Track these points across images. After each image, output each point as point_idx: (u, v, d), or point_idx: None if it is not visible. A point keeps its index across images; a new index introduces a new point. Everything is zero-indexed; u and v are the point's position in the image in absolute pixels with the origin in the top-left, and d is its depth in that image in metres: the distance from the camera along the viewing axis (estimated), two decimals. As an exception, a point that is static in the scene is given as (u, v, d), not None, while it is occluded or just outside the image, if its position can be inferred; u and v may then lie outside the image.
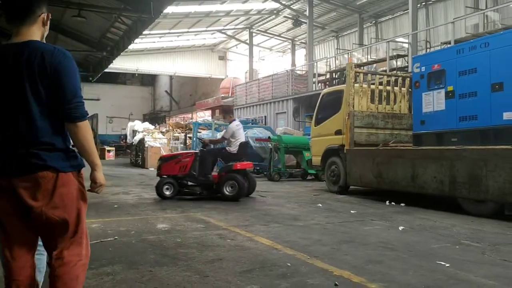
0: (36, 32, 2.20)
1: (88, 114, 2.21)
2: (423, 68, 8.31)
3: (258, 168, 15.80)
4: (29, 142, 2.06)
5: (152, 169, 20.44)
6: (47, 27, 2.28)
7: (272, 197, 8.96)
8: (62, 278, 2.11)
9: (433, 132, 8.09)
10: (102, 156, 24.87)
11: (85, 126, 2.15)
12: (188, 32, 27.90)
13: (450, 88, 7.72)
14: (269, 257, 4.10)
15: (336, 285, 3.26)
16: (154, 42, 29.50)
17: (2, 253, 2.16)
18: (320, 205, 7.75)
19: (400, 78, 10.13)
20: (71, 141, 2.20)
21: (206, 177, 8.50)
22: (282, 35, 28.00)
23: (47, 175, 2.06)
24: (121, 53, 19.36)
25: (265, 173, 14.62)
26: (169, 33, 27.39)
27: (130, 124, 27.31)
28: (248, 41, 27.99)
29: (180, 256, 4.11)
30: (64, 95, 2.09)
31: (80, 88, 2.19)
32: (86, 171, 2.20)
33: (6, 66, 2.09)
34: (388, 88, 9.83)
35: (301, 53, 28.59)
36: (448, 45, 12.21)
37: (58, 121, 2.13)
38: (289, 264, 3.84)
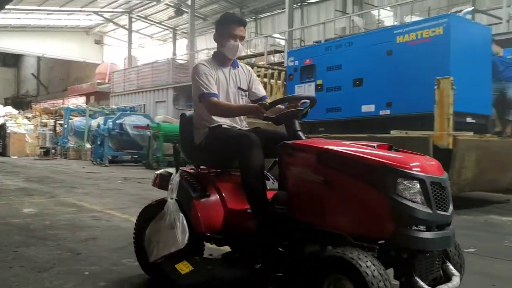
0: None
1: None
2: (296, 62, 8.92)
3: (136, 156, 15.48)
4: None
5: (16, 157, 18.65)
6: None
7: (150, 184, 8.85)
8: None
9: (304, 122, 8.72)
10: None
11: None
12: (60, 10, 25.90)
13: (319, 81, 8.42)
14: (145, 235, 4.11)
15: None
16: (20, 18, 26.77)
17: None
18: (198, 189, 7.90)
19: (276, 72, 10.71)
20: None
21: None
22: (163, 23, 27.51)
23: None
24: (-21, 27, 17.27)
25: (143, 161, 14.35)
26: (38, 10, 25.12)
27: (-11, 108, 24.54)
28: (127, 26, 26.96)
29: (50, 237, 3.92)
30: None
31: None
32: None
33: None
34: (265, 80, 10.33)
35: (182, 42, 28.38)
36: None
37: None
38: (165, 240, 3.91)
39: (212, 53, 2.94)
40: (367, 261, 1.87)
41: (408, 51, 6.84)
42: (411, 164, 2.03)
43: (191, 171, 2.81)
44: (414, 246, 1.99)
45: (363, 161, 2.09)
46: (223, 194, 2.63)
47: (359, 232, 2.07)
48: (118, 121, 14.90)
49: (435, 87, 5.78)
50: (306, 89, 8.63)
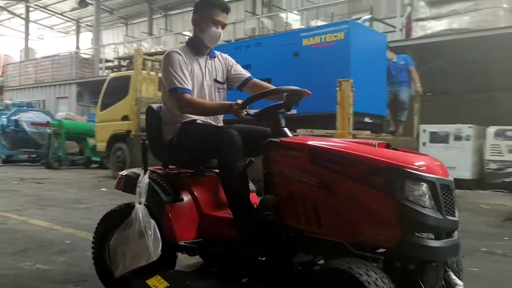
0: None
1: None
2: (207, 61, 8.94)
3: (34, 155, 14.46)
4: None
5: None
6: None
7: (50, 184, 8.34)
8: None
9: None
10: None
11: None
12: None
13: (229, 80, 8.52)
14: (46, 237, 3.89)
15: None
16: None
17: None
18: (105, 189, 7.60)
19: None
20: None
21: None
22: (65, 14, 25.92)
23: None
24: None
25: (42, 161, 13.43)
26: None
27: None
28: (24, 16, 24.95)
29: None
30: None
31: None
32: None
33: None
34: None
35: (87, 36, 26.96)
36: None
37: None
38: (68, 241, 3.73)
39: (187, 39, 2.61)
40: (370, 273, 1.62)
41: (313, 53, 7.21)
42: (419, 165, 1.79)
43: (161, 171, 2.50)
44: (424, 256, 1.76)
45: (365, 161, 1.82)
46: (199, 198, 2.35)
47: (360, 240, 1.82)
48: (13, 118, 13.77)
49: (337, 88, 6.17)
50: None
